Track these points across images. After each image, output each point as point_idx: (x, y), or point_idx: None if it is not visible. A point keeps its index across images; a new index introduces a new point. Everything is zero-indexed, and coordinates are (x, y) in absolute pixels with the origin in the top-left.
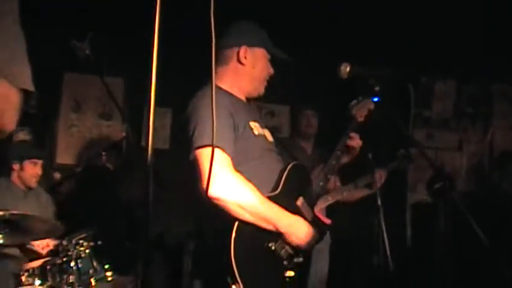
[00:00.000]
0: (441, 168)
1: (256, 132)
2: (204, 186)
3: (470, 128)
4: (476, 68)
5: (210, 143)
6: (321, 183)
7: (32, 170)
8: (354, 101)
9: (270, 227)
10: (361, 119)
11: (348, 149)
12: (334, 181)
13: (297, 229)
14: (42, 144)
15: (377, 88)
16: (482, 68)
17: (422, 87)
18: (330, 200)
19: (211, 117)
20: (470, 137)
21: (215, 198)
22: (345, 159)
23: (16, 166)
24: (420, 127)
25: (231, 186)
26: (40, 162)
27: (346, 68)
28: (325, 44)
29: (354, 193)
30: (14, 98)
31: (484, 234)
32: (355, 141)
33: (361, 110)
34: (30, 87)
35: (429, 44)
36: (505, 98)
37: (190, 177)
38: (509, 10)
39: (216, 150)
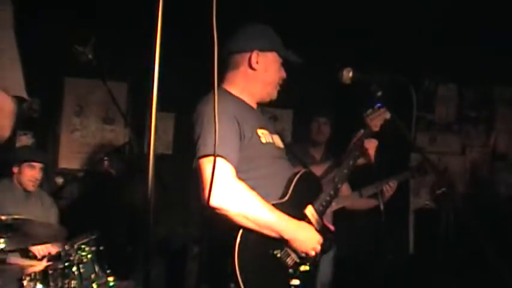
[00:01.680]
0: (444, 174)
1: (263, 140)
2: (206, 196)
3: (473, 131)
4: (479, 71)
5: (213, 153)
6: (331, 192)
7: (29, 173)
8: (370, 110)
9: (274, 235)
10: (376, 128)
11: (363, 151)
12: (345, 188)
13: (302, 236)
14: (44, 149)
15: (379, 93)
16: (485, 72)
17: (425, 90)
18: (334, 206)
19: (214, 124)
20: (473, 141)
21: (216, 208)
22: (360, 162)
23: (16, 169)
24: (423, 131)
25: (232, 196)
26: (38, 165)
27: (348, 73)
28: (328, 47)
29: (360, 202)
30: (8, 106)
31: (487, 238)
32: (372, 144)
33: (377, 119)
34: (24, 95)
35: (431, 47)
36: (508, 101)
37: (195, 182)
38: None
39: (219, 159)
